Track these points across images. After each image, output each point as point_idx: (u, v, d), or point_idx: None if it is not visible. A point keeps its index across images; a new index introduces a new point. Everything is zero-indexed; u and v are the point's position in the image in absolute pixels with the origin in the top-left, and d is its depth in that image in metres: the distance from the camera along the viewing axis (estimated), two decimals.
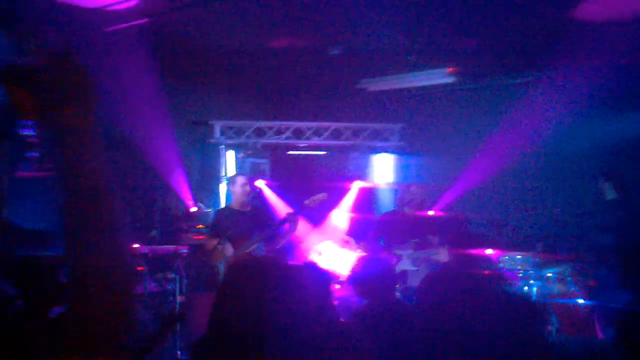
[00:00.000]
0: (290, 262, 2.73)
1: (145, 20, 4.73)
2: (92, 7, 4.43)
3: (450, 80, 6.83)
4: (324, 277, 2.47)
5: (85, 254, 0.78)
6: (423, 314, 1.97)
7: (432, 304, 1.92)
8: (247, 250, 4.90)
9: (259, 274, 1.46)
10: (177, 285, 5.71)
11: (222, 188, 8.21)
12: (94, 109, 0.84)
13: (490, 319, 1.79)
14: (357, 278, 3.00)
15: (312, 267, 2.57)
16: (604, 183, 5.42)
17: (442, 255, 5.08)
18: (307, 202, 5.17)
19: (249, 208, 5.25)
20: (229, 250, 4.92)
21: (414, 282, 4.69)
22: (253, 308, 1.39)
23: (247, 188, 5.22)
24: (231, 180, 5.44)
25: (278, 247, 5.16)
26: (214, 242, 5.05)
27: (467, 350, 1.77)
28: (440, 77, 6.78)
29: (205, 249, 5.36)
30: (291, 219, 5.00)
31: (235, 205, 5.27)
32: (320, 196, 5.21)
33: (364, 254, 5.33)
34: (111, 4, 4.40)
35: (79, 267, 0.78)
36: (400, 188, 5.99)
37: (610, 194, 5.41)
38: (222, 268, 4.92)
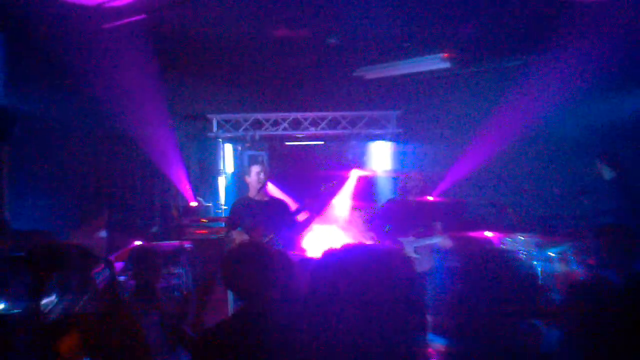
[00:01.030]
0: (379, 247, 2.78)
1: (143, 16, 4.70)
2: (90, 4, 4.39)
3: (446, 65, 6.84)
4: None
5: None
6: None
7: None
8: (265, 240, 4.89)
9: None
10: (183, 279, 5.72)
11: (221, 181, 8.21)
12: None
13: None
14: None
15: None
16: (600, 164, 5.48)
17: (444, 242, 5.11)
18: (322, 188, 5.56)
19: (266, 198, 5.22)
20: (244, 239, 4.91)
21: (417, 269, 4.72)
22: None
23: (262, 176, 5.18)
24: (246, 171, 5.43)
25: (296, 236, 5.19)
26: (230, 231, 5.07)
27: None
28: (436, 62, 6.79)
29: (223, 239, 5.39)
30: (308, 208, 5.06)
31: (252, 194, 5.21)
32: (333, 182, 5.82)
33: (372, 240, 5.37)
34: (109, 1, 4.36)
35: None
36: (401, 176, 6.02)
37: (607, 174, 5.48)
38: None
